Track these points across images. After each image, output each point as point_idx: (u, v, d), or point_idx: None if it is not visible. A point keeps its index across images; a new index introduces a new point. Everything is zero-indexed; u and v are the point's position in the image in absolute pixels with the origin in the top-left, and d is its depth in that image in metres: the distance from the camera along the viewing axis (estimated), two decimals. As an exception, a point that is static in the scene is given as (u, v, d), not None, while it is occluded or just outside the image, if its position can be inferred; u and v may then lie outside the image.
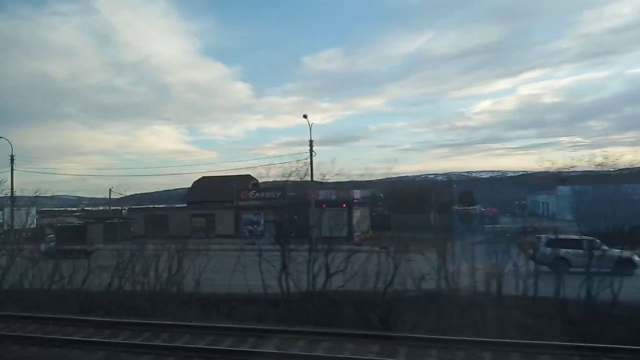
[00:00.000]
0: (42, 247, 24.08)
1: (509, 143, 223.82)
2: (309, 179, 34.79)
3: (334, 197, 41.45)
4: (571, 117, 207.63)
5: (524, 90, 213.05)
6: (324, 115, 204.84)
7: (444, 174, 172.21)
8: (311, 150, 36.96)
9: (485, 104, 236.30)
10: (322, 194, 40.56)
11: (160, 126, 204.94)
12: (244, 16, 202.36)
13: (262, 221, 43.10)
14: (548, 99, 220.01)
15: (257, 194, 47.06)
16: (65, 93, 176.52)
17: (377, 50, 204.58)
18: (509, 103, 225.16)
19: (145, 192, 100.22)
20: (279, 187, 45.25)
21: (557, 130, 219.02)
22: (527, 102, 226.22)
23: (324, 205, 34.70)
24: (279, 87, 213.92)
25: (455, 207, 44.26)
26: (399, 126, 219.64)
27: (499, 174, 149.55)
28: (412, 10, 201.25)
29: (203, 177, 55.46)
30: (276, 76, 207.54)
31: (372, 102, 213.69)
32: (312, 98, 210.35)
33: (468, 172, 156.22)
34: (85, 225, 35.41)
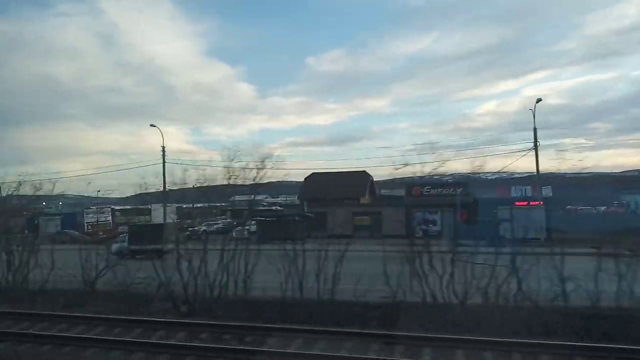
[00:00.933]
0: (113, 247, 24.07)
1: (513, 145, 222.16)
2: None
3: (528, 194, 38.48)
4: (576, 118, 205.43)
5: (529, 92, 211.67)
6: (328, 116, 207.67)
7: (449, 175, 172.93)
8: (535, 141, 35.92)
9: (489, 105, 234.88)
10: (514, 191, 39.52)
11: (165, 127, 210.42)
12: (248, 17, 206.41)
13: (439, 220, 38.10)
14: (553, 101, 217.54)
15: (431, 189, 43.12)
16: (70, 94, 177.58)
17: (381, 51, 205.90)
18: (513, 104, 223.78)
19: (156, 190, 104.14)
20: (458, 182, 43.57)
21: (562, 132, 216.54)
22: (531, 103, 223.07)
23: (517, 203, 33.13)
24: (283, 87, 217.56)
25: None
26: (403, 127, 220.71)
27: (505, 175, 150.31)
28: (416, 11, 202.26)
29: (313, 173, 53.93)
30: (280, 77, 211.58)
31: (376, 103, 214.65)
32: (316, 99, 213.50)
33: (473, 172, 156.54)
34: (161, 224, 33.29)
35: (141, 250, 24.71)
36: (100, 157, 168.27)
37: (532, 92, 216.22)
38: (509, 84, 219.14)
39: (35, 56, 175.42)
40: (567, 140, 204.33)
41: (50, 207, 54.54)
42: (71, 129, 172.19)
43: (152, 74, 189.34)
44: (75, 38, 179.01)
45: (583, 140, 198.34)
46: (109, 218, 52.12)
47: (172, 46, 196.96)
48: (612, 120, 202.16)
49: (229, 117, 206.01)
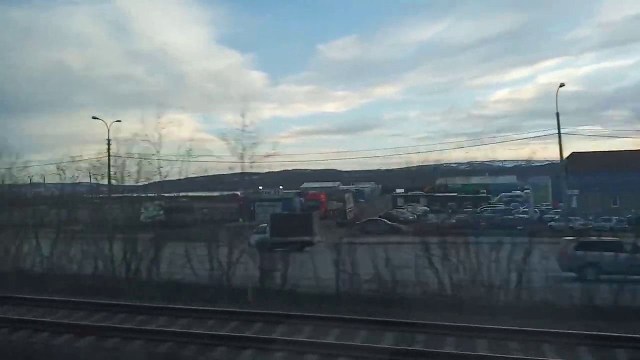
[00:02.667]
0: (252, 239, 23.04)
1: (526, 132, 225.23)
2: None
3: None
4: (591, 106, 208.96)
5: (543, 79, 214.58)
6: (339, 103, 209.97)
7: (466, 162, 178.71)
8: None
9: (502, 93, 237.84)
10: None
11: (176, 115, 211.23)
12: (259, 4, 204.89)
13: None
14: (568, 88, 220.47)
15: None
16: (81, 82, 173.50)
17: (392, 38, 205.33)
18: (527, 92, 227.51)
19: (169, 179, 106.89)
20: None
21: (577, 120, 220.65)
22: (546, 90, 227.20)
23: None
24: (293, 75, 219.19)
25: None
26: (414, 115, 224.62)
27: (523, 163, 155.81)
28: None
29: (574, 152, 50.09)
30: (291, 65, 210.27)
31: (387, 91, 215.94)
32: (326, 87, 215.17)
33: (490, 160, 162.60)
34: (309, 215, 31.56)
35: (285, 243, 22.80)
36: (112, 145, 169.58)
37: (547, 79, 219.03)
38: (523, 71, 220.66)
39: (46, 44, 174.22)
40: (583, 128, 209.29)
41: (268, 192, 53.21)
42: (82, 117, 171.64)
43: (163, 62, 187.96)
44: (86, 26, 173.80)
45: (599, 128, 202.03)
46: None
47: (182, 33, 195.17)
48: (629, 107, 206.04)
49: (240, 105, 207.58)
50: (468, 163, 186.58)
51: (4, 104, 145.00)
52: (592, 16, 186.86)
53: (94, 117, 39.96)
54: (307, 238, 25.31)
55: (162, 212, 26.93)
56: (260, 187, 55.60)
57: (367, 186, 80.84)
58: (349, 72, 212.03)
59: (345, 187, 79.84)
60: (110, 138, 33.06)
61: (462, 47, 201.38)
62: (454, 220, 24.79)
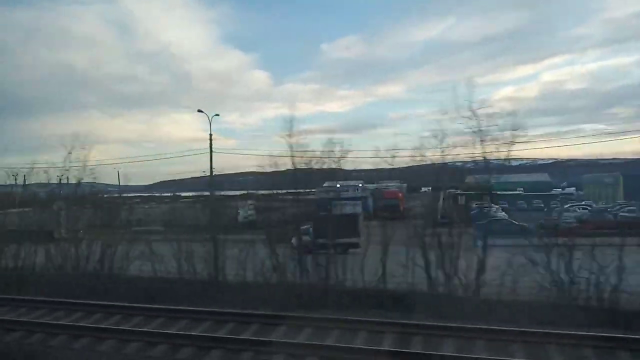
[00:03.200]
0: (294, 241, 23.47)
1: (530, 130, 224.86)
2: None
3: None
4: (595, 103, 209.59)
5: (547, 77, 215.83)
6: (343, 102, 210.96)
7: (472, 161, 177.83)
8: None
9: (506, 91, 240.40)
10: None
11: (180, 114, 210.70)
12: (263, 3, 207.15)
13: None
14: (572, 86, 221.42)
15: None
16: (86, 82, 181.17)
17: (396, 37, 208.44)
18: (531, 90, 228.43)
19: (172, 178, 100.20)
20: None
21: (581, 117, 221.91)
22: (550, 88, 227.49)
23: None
24: (297, 75, 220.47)
25: None
26: (420, 113, 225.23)
27: (529, 161, 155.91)
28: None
29: None
30: (295, 64, 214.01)
31: (392, 89, 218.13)
32: (330, 86, 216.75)
33: (496, 159, 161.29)
34: (355, 215, 29.98)
35: (329, 245, 23.70)
36: (117, 146, 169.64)
37: (550, 77, 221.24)
38: (527, 69, 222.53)
39: (51, 45, 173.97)
40: (586, 126, 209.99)
41: (347, 190, 49.43)
42: (87, 117, 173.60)
43: (167, 62, 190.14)
44: (90, 26, 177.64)
45: (603, 126, 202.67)
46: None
47: (186, 33, 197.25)
48: (634, 105, 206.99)
49: (244, 105, 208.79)
50: (473, 161, 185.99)
51: (9, 104, 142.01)
52: (596, 13, 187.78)
53: (199, 110, 36.09)
54: (352, 239, 23.62)
55: (254, 212, 24.84)
56: (339, 185, 52.26)
57: (392, 184, 78.43)
58: (353, 71, 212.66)
59: (372, 185, 77.43)
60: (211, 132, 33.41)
61: (467, 45, 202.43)
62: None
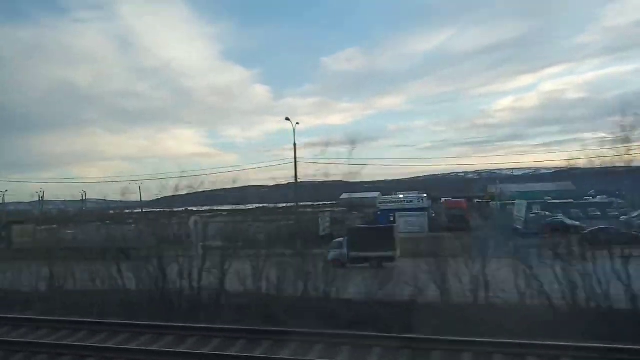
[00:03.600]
0: (330, 254, 21.66)
1: (531, 140, 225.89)
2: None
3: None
4: (595, 112, 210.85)
5: (547, 86, 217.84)
6: (343, 115, 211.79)
7: (473, 172, 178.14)
8: None
9: (506, 101, 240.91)
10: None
11: (181, 130, 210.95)
12: (263, 18, 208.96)
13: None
14: (571, 95, 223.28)
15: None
16: (88, 99, 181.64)
17: (397, 49, 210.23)
18: (531, 99, 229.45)
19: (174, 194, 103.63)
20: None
21: (581, 126, 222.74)
22: (549, 98, 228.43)
23: None
24: (298, 88, 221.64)
25: None
26: (419, 125, 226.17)
27: (531, 171, 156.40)
28: (432, 8, 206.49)
29: None
30: (295, 78, 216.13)
31: (392, 101, 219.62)
32: (331, 99, 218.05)
33: (498, 169, 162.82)
34: (389, 227, 28.53)
35: (363, 258, 22.79)
36: (118, 162, 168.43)
37: (550, 86, 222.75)
38: (526, 79, 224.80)
39: (54, 62, 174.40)
40: (587, 135, 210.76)
41: (410, 200, 46.96)
42: (89, 134, 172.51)
43: (168, 78, 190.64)
44: (92, 43, 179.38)
45: (603, 135, 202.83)
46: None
47: (187, 49, 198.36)
48: (633, 113, 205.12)
49: (245, 119, 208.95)
50: (476, 172, 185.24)
51: (11, 121, 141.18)
52: (596, 22, 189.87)
53: (286, 119, 37.48)
54: (388, 253, 23.53)
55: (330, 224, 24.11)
56: (401, 195, 51.22)
57: (412, 195, 77.75)
58: (354, 84, 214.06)
59: (390, 196, 76.70)
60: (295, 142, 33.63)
61: (467, 56, 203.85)
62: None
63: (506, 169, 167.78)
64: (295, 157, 32.20)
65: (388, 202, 48.51)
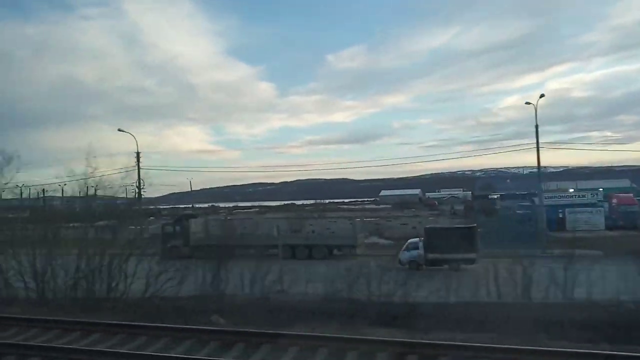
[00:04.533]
0: (402, 255, 22.21)
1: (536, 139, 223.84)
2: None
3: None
4: (601, 111, 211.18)
5: (553, 85, 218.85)
6: (347, 113, 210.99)
7: (480, 170, 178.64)
8: None
9: (512, 100, 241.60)
10: None
11: (186, 127, 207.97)
12: (267, 15, 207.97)
13: None
14: (577, 94, 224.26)
15: None
16: (93, 95, 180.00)
17: (401, 47, 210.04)
18: (536, 98, 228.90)
19: (181, 191, 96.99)
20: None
21: (587, 125, 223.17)
22: (555, 97, 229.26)
23: None
24: (302, 86, 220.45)
25: None
26: (424, 123, 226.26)
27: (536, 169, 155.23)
28: (437, 5, 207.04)
29: None
30: (300, 75, 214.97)
31: (396, 99, 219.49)
32: (335, 96, 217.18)
33: (505, 168, 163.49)
34: (471, 227, 26.07)
35: (442, 260, 21.93)
36: (123, 158, 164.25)
37: (556, 85, 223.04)
38: (532, 78, 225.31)
39: (60, 59, 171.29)
40: (593, 134, 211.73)
41: (583, 195, 42.47)
42: (94, 130, 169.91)
43: (173, 74, 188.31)
44: (98, 40, 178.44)
45: (609, 134, 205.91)
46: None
47: (192, 46, 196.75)
48: (639, 112, 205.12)
49: (249, 116, 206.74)
50: (482, 170, 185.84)
51: (19, 117, 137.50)
52: (602, 20, 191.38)
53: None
54: (469, 255, 22.10)
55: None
56: (572, 190, 47.45)
57: (456, 192, 77.40)
58: (358, 82, 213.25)
59: (433, 194, 76.26)
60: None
61: (472, 54, 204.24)
62: None
63: (513, 168, 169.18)
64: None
65: (554, 197, 43.59)
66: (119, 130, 37.35)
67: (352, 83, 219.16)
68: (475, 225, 28.91)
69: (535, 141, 31.93)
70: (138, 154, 35.86)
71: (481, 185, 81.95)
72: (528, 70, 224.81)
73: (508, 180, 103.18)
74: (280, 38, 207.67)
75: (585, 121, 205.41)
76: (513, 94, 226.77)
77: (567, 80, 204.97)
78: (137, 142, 38.28)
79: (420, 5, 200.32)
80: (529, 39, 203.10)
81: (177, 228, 29.88)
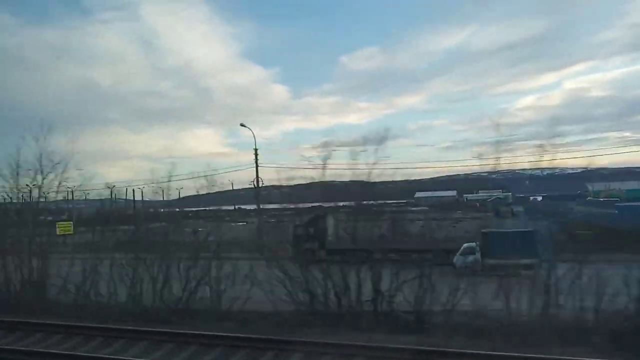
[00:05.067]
0: (457, 260, 21.18)
1: (553, 140, 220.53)
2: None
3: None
4: (620, 111, 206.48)
5: (570, 84, 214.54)
6: (362, 115, 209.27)
7: (497, 172, 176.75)
8: None
9: (529, 100, 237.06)
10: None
11: (201, 129, 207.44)
12: (282, 18, 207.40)
13: None
14: (596, 93, 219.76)
15: None
16: (110, 98, 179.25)
17: (416, 47, 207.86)
18: (554, 98, 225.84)
19: (195, 194, 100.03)
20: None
21: (605, 125, 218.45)
22: (573, 96, 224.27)
23: None
24: (316, 87, 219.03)
25: None
26: (439, 124, 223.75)
27: (557, 170, 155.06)
28: (453, 4, 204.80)
29: None
30: (314, 77, 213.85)
31: (412, 100, 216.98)
32: (349, 98, 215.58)
33: (522, 169, 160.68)
34: (533, 230, 23.25)
35: (502, 266, 21.23)
36: (139, 161, 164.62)
37: (574, 84, 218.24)
38: (550, 77, 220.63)
39: (78, 63, 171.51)
40: (611, 134, 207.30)
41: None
42: (111, 133, 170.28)
43: (189, 77, 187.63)
44: (114, 44, 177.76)
45: (628, 134, 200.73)
46: None
47: (208, 49, 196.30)
48: None
49: (264, 118, 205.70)
50: (499, 172, 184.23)
51: (37, 120, 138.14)
52: (621, 17, 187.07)
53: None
54: (531, 260, 19.64)
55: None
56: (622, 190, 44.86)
57: (496, 193, 75.84)
58: (373, 83, 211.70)
59: (471, 195, 74.69)
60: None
61: (489, 53, 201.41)
62: None
63: (530, 169, 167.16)
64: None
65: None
66: (241, 125, 36.99)
67: (367, 84, 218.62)
68: (534, 229, 27.33)
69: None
70: (256, 150, 35.54)
71: (503, 186, 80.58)
72: (545, 70, 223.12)
73: (527, 182, 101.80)
74: (295, 40, 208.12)
75: (603, 121, 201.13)
76: (530, 94, 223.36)
77: (585, 79, 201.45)
78: (255, 138, 37.37)
79: (436, 4, 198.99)
80: (546, 38, 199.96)
81: (311, 230, 27.84)
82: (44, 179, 15.60)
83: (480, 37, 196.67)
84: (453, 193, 77.35)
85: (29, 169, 15.52)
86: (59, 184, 16.12)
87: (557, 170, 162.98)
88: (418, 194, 79.63)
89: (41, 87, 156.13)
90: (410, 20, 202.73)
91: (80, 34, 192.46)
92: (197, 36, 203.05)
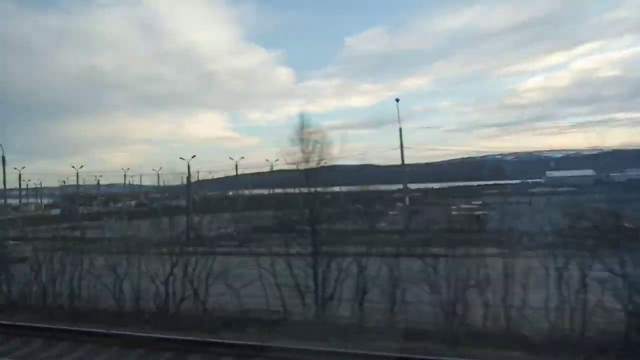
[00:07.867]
0: None
1: (561, 121, 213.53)
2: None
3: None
4: (630, 91, 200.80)
5: (579, 65, 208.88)
6: (366, 97, 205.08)
7: (510, 153, 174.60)
8: None
9: (536, 80, 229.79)
10: None
11: (205, 113, 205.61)
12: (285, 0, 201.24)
13: None
14: (604, 73, 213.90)
15: None
16: (113, 84, 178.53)
17: (422, 28, 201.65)
18: (562, 79, 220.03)
19: (204, 178, 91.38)
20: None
21: (614, 106, 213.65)
22: (581, 77, 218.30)
23: None
24: (320, 70, 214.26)
25: None
26: (445, 106, 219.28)
27: (572, 152, 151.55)
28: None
29: None
30: (318, 59, 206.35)
31: (417, 82, 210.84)
32: (354, 80, 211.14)
33: (537, 151, 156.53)
34: None
35: None
36: (142, 146, 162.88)
37: (582, 65, 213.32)
38: (557, 57, 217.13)
39: (80, 48, 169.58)
40: (619, 115, 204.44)
41: None
42: (114, 119, 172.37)
43: (192, 61, 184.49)
44: (116, 28, 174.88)
45: (637, 115, 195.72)
46: None
47: (210, 32, 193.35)
48: None
49: (267, 102, 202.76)
50: (514, 154, 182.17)
51: (41, 107, 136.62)
52: None
53: None
54: None
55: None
56: None
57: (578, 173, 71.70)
58: (377, 65, 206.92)
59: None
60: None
61: (495, 33, 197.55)
62: None
63: (542, 151, 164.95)
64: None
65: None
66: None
67: (372, 66, 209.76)
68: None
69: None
70: (400, 130, 31.47)
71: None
72: (553, 50, 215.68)
73: (552, 163, 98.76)
74: (298, 21, 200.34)
75: (612, 102, 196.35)
76: (537, 75, 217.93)
77: (594, 59, 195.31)
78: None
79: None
80: (554, 17, 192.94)
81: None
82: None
83: (487, 17, 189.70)
84: (589, 172, 74.53)
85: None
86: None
87: (571, 152, 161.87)
88: (551, 173, 76.48)
89: (42, 72, 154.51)
90: (415, 1, 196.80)
91: (82, 19, 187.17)
92: (199, 19, 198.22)
